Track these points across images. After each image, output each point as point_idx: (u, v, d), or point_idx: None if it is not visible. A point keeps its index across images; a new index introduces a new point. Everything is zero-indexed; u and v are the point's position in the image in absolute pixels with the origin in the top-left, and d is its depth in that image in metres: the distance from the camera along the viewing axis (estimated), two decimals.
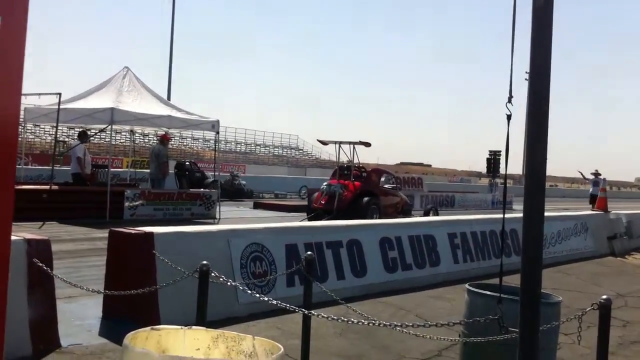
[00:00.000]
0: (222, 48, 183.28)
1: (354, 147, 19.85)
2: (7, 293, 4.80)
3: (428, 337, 4.96)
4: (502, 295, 4.04)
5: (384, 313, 7.72)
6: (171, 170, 22.08)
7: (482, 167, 40.90)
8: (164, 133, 20.70)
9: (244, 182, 29.15)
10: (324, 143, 21.99)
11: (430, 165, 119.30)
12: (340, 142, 19.95)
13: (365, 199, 18.71)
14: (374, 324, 4.62)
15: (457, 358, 5.33)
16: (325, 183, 19.83)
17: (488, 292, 4.73)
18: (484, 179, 74.76)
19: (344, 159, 20.46)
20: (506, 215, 4.54)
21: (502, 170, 37.23)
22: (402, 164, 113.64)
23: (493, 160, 37.07)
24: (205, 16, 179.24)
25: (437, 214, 21.25)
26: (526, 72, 3.81)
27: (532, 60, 3.11)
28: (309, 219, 17.72)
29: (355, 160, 20.60)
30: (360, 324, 4.60)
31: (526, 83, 4.39)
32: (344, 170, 19.92)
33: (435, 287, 9.71)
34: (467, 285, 5.07)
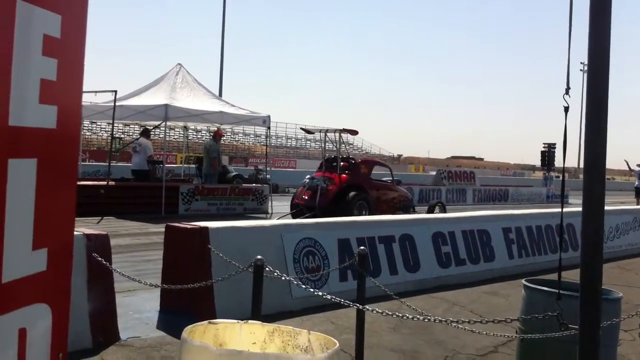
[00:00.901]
0: (272, 43, 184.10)
1: (340, 136, 17.92)
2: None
3: (484, 333, 4.92)
4: (561, 292, 3.99)
5: (437, 308, 7.68)
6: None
7: (536, 160, 40.11)
8: (216, 129, 20.94)
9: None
10: (308, 132, 20.07)
11: (482, 159, 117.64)
12: (327, 130, 18.00)
13: (352, 193, 16.50)
14: (428, 319, 4.61)
15: (514, 354, 5.27)
16: (309, 176, 17.77)
17: (546, 288, 4.67)
18: (537, 173, 73.53)
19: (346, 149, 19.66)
20: (563, 210, 4.47)
21: (557, 164, 36.53)
22: (453, 157, 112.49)
23: (548, 153, 36.41)
24: (255, 12, 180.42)
25: (445, 211, 18.50)
26: (581, 63, 3.74)
27: (590, 51, 3.06)
28: (293, 216, 15.92)
29: (344, 151, 19.00)
30: (414, 319, 4.59)
31: (582, 74, 4.30)
32: (330, 162, 17.83)
33: (489, 283, 9.61)
34: (524, 281, 5.01)
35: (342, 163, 17.36)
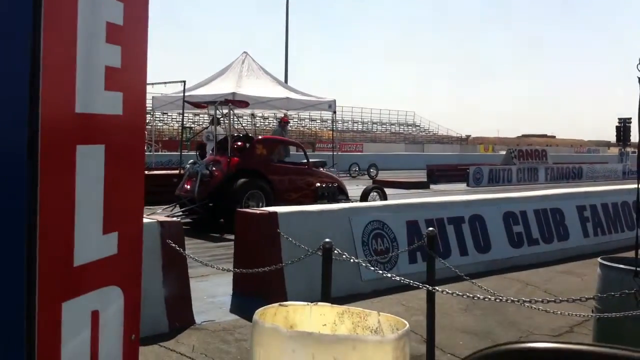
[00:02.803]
0: (337, 28, 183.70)
1: (230, 109, 14.72)
2: (142, 274, 5.09)
3: (558, 313, 4.80)
4: (638, 269, 3.86)
5: (510, 289, 7.55)
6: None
7: (611, 136, 38.83)
8: (283, 116, 21.09)
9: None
10: (196, 105, 16.60)
11: (554, 137, 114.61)
12: (216, 103, 14.70)
13: (241, 180, 12.81)
14: (500, 299, 4.53)
15: (590, 334, 5.14)
16: (191, 161, 13.98)
17: (623, 266, 4.52)
18: (613, 149, 71.11)
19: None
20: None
21: (633, 139, 35.28)
22: (523, 136, 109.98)
23: (623, 128, 35.18)
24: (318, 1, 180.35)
25: (384, 197, 15.28)
26: None
27: None
28: (183, 212, 12.74)
29: (239, 128, 15.79)
30: (486, 299, 4.52)
31: None
32: (220, 143, 14.23)
33: (564, 262, 9.38)
34: (599, 259, 4.87)
35: (237, 144, 13.87)
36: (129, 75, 1.91)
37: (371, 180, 24.33)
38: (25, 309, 1.53)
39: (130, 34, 1.90)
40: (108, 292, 1.87)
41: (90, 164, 1.73)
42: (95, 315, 1.78)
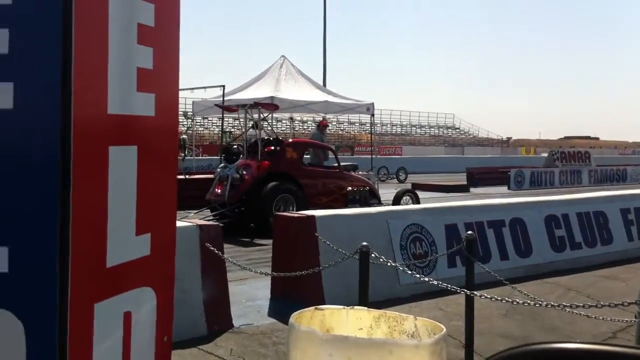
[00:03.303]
0: (375, 30, 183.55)
1: (260, 113, 14.40)
2: (180, 277, 5.12)
3: (601, 318, 4.69)
4: None
5: (551, 294, 7.41)
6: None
7: None
8: (321, 119, 21.08)
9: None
10: (227, 109, 16.69)
11: (597, 138, 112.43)
12: (246, 106, 14.52)
13: (271, 184, 12.63)
14: (540, 304, 4.45)
15: (634, 340, 5.00)
16: (222, 164, 14.08)
17: None
18: None
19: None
20: None
21: None
22: (566, 138, 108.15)
23: None
24: (356, 3, 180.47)
25: (417, 201, 14.84)
26: None
27: None
28: (214, 217, 12.50)
29: (269, 130, 15.53)
30: (526, 304, 4.44)
31: None
32: (251, 147, 14.02)
33: (607, 267, 9.18)
34: None
35: (266, 148, 13.66)
36: (161, 77, 1.91)
37: (402, 184, 24.02)
38: (57, 309, 1.53)
39: (162, 35, 1.90)
40: (141, 293, 1.87)
41: (122, 165, 1.74)
42: (127, 316, 1.78)
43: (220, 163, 14.22)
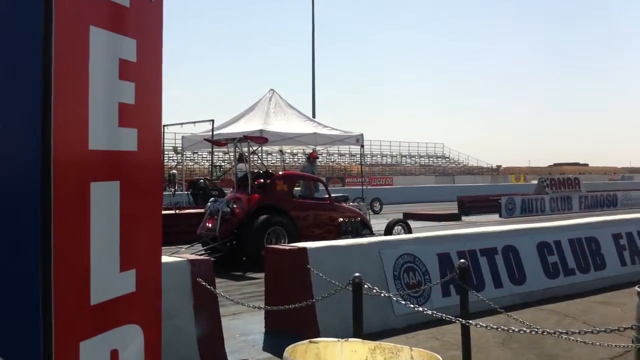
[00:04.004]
0: (364, 62, 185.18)
1: (249, 146, 14.23)
2: (173, 312, 5.02)
3: (598, 344, 4.65)
4: None
5: (547, 321, 7.36)
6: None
7: None
8: (311, 151, 21.12)
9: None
10: (216, 143, 16.71)
11: (587, 165, 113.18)
12: (235, 140, 14.29)
13: (262, 217, 12.54)
14: (537, 332, 4.40)
15: None
16: (212, 199, 14.18)
17: None
18: None
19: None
20: None
21: None
22: (555, 165, 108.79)
23: None
24: (343, 32, 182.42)
25: (409, 231, 14.92)
26: None
27: None
28: (206, 251, 12.43)
29: (259, 163, 15.53)
30: (522, 332, 4.40)
31: None
32: (244, 180, 13.74)
33: (602, 292, 9.14)
34: (637, 288, 4.71)
35: (256, 181, 13.56)
36: (144, 112, 1.90)
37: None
38: (42, 348, 1.49)
39: (144, 70, 1.89)
40: (127, 330, 1.83)
41: (105, 200, 1.71)
42: (114, 354, 1.75)
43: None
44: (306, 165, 19.19)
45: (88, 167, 1.67)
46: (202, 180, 25.10)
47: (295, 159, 50.74)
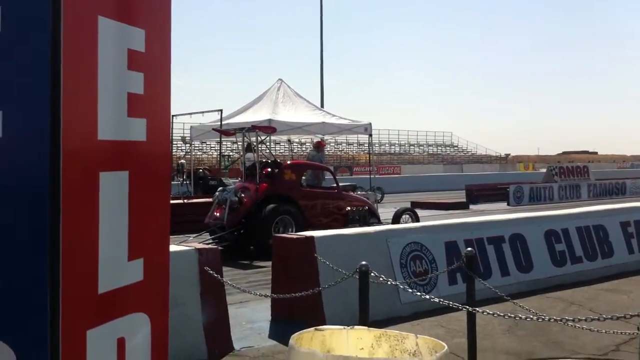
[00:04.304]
0: (372, 51, 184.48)
1: (257, 136, 14.31)
2: (180, 300, 5.07)
3: (603, 331, 4.66)
4: None
5: (553, 309, 7.38)
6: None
7: None
8: (319, 140, 21.10)
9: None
10: (224, 132, 16.78)
11: (596, 153, 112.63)
12: (243, 130, 14.50)
13: (270, 206, 12.63)
14: (543, 319, 4.43)
15: (637, 352, 4.97)
16: (220, 188, 14.25)
17: None
18: None
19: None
20: None
21: None
22: (564, 153, 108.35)
23: None
24: (353, 20, 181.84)
25: (417, 219, 14.94)
26: None
27: None
28: (213, 240, 12.54)
29: (267, 153, 15.46)
30: (528, 319, 4.43)
31: None
32: (249, 170, 13.98)
33: (609, 280, 9.14)
34: None
35: (264, 170, 13.52)
36: (153, 102, 1.92)
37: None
38: (49, 337, 1.52)
39: (153, 60, 1.91)
40: (134, 319, 1.86)
41: (114, 190, 1.74)
42: (121, 342, 1.77)
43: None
44: (315, 154, 19.03)
45: (97, 157, 1.69)
46: (201, 170, 25.21)
47: (304, 148, 50.73)
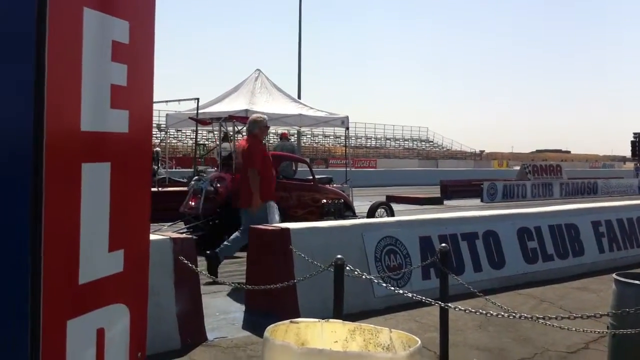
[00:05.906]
0: (350, 44, 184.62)
1: (234, 125, 14.19)
2: (154, 290, 5.05)
3: (573, 329, 4.75)
4: None
5: (524, 305, 7.48)
6: None
7: (626, 151, 38.59)
8: (284, 131, 21.01)
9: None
10: (201, 122, 16.51)
11: (569, 152, 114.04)
12: (220, 120, 14.33)
13: None
14: (514, 316, 4.49)
15: (606, 351, 5.07)
16: (195, 177, 13.77)
17: (638, 282, 4.47)
18: (628, 164, 70.81)
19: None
20: None
21: None
22: (538, 151, 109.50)
23: (638, 142, 35.00)
24: (331, 15, 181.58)
25: (392, 214, 15.09)
26: None
27: None
28: (188, 229, 12.31)
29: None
30: (500, 316, 4.48)
31: None
32: (225, 160, 13.70)
33: (579, 278, 9.29)
34: (614, 275, 4.82)
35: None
36: (135, 94, 1.92)
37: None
38: (29, 327, 1.52)
39: (136, 52, 1.91)
40: (114, 309, 1.86)
41: (96, 181, 1.74)
42: (100, 333, 1.78)
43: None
44: (285, 144, 18.76)
45: (80, 148, 1.69)
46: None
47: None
